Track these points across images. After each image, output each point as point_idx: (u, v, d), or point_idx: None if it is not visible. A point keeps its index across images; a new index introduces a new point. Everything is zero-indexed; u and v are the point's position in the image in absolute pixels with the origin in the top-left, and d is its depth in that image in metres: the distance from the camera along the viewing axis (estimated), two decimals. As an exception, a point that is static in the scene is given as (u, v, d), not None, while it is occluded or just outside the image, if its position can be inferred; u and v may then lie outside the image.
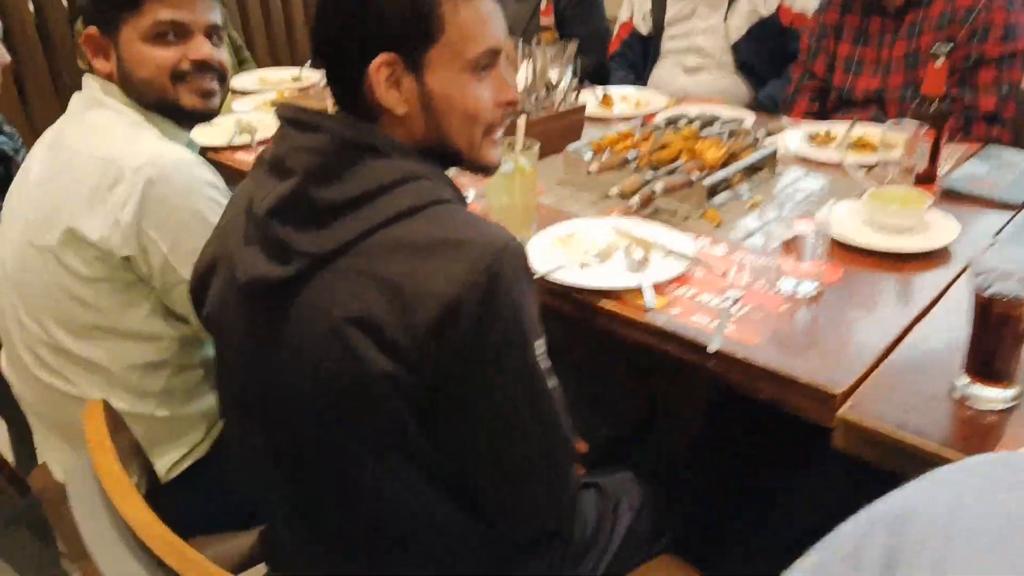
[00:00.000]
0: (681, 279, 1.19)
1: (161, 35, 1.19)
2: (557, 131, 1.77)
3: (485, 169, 0.95)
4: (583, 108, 1.89)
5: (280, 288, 0.81)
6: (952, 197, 1.48)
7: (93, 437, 0.83)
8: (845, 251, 1.26)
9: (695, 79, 2.53)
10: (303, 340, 0.81)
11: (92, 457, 0.81)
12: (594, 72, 2.56)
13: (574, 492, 0.95)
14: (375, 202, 0.80)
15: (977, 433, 0.88)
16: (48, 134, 1.24)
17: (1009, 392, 0.90)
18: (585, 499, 1.03)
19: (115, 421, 0.95)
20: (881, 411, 0.90)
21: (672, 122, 1.82)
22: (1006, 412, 0.90)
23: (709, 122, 1.82)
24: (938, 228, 1.30)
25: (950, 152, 1.71)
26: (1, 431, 1.67)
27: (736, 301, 1.13)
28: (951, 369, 0.94)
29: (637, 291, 1.15)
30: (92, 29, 1.21)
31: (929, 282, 1.18)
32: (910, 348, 1.03)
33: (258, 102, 2.23)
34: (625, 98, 2.20)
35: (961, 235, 1.27)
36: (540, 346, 0.82)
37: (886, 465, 0.88)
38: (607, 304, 1.14)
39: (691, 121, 1.81)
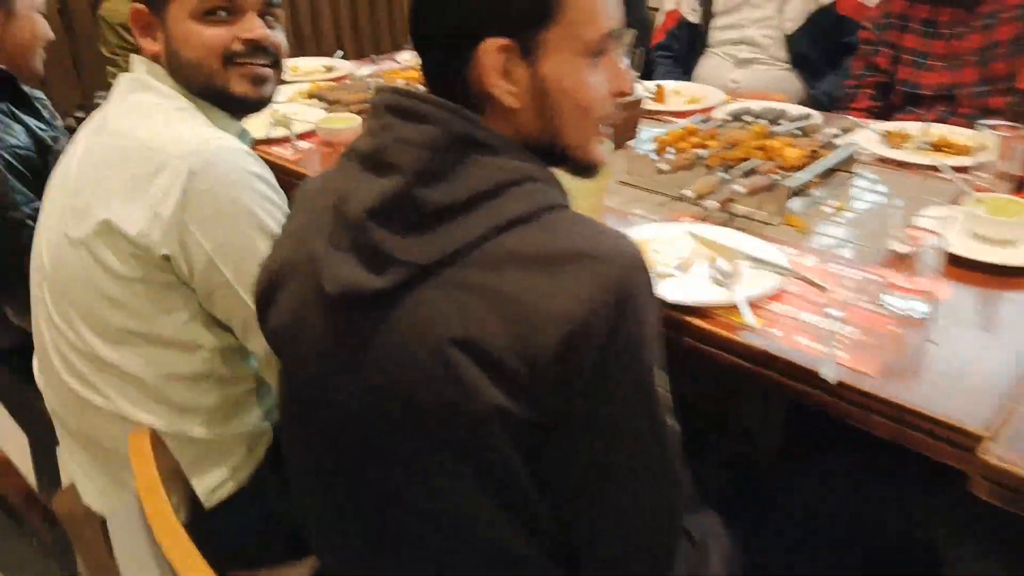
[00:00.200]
0: (776, 295, 1.08)
1: (210, 12, 1.08)
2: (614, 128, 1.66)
3: (591, 168, 0.84)
4: (639, 103, 1.77)
5: (374, 300, 0.71)
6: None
7: (141, 474, 0.73)
8: (951, 265, 1.14)
9: (746, 72, 2.41)
10: (397, 360, 0.71)
11: (141, 498, 0.71)
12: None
13: (678, 541, 0.85)
14: (486, 206, 0.70)
15: None
16: (94, 118, 1.14)
17: None
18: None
19: (159, 449, 0.85)
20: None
21: (736, 117, 1.70)
22: None
23: (775, 118, 1.70)
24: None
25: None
26: (22, 445, 1.56)
27: (839, 321, 1.01)
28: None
29: (729, 307, 1.04)
30: (139, 5, 1.11)
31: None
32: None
33: (291, 92, 2.12)
34: (678, 92, 2.08)
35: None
36: (661, 376, 0.72)
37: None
38: (696, 321, 1.03)
39: (756, 117, 1.69)
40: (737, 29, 2.42)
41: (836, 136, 1.60)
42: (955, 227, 1.23)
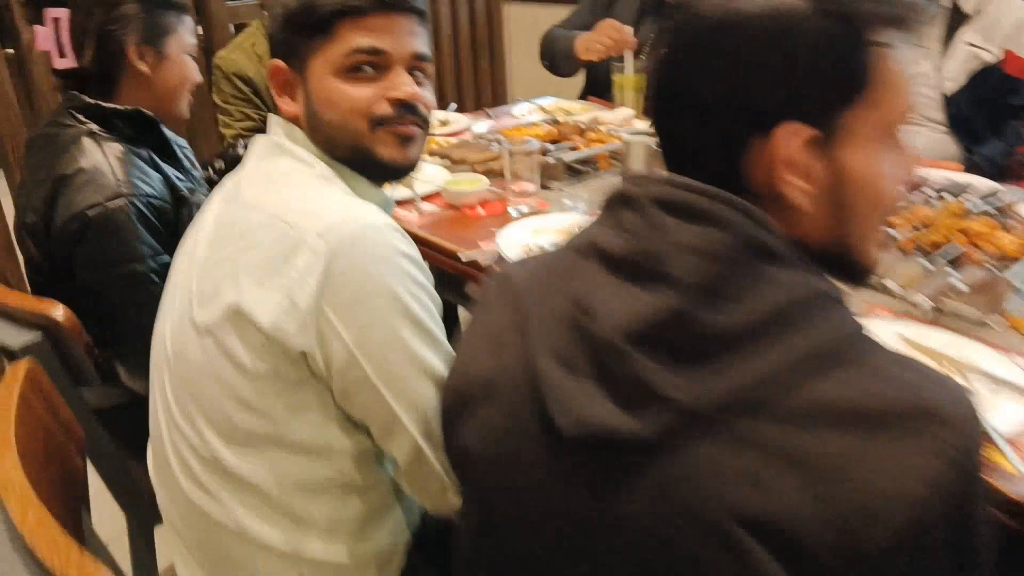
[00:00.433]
0: (1035, 427, 0.88)
1: (355, 68, 0.97)
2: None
3: (866, 273, 0.68)
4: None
5: (627, 448, 0.56)
6: None
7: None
8: None
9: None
10: (654, 532, 0.56)
11: None
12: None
13: None
14: (780, 334, 0.54)
15: None
16: (227, 183, 1.03)
17: None
18: None
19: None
20: None
21: (915, 188, 1.50)
22: None
23: (956, 192, 1.50)
24: None
25: None
26: (120, 526, 1.44)
27: None
28: None
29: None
30: (279, 62, 1.01)
31: None
32: None
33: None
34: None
35: None
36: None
37: None
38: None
39: (939, 191, 1.49)
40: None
41: (1041, 217, 1.38)
42: None
